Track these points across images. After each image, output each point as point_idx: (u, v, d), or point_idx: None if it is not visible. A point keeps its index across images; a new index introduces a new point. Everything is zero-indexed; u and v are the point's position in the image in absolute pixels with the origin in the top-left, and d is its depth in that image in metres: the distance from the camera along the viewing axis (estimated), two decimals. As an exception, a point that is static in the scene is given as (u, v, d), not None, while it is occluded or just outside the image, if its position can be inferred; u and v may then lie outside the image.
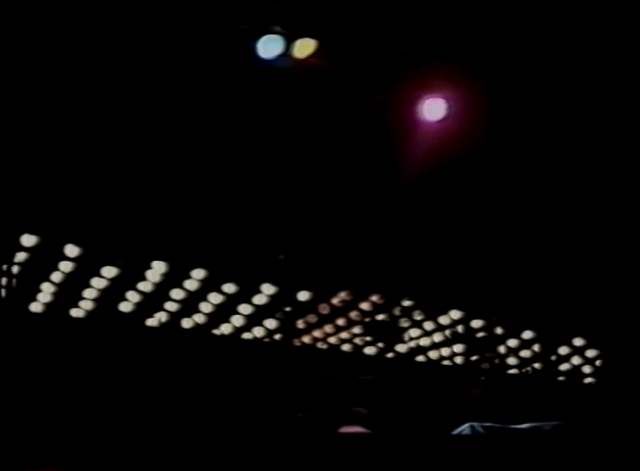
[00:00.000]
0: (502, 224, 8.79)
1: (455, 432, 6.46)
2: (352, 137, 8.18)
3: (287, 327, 9.10)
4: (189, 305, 8.63)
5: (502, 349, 9.45)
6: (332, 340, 9.75)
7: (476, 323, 9.84)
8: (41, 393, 6.94)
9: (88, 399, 7.34)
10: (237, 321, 8.97)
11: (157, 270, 8.48)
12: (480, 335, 9.74)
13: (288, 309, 9.04)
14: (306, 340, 9.47)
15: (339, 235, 8.76)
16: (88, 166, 7.75)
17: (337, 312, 9.44)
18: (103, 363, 8.02)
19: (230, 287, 8.81)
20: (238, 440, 5.83)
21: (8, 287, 7.78)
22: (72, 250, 8.12)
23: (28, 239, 7.93)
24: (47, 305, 8.22)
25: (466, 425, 6.47)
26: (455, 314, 9.84)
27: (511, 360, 9.82)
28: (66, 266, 8.16)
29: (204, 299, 8.69)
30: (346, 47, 7.45)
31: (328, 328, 9.52)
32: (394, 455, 5.95)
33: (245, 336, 9.09)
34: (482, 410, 7.32)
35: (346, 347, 9.79)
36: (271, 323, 9.09)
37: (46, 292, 8.22)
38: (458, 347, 9.92)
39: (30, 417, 5.55)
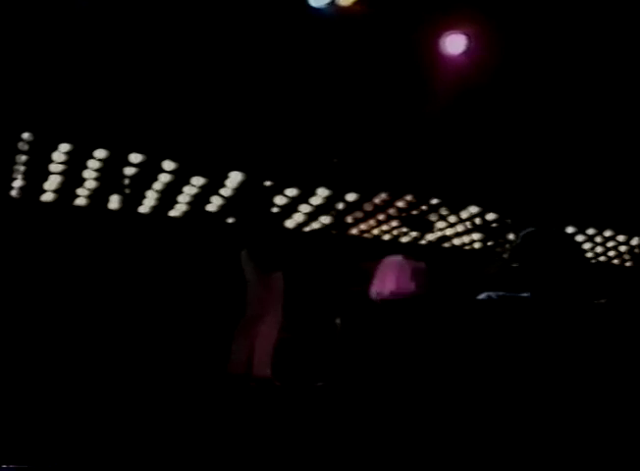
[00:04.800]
0: (513, 137, 9.55)
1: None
2: (390, 67, 9.03)
3: (339, 221, 10.31)
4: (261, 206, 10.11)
5: (511, 236, 10.11)
6: (375, 231, 10.85)
7: (490, 216, 10.96)
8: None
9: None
10: (297, 217, 10.38)
11: (234, 179, 9.92)
12: (494, 225, 10.67)
13: (339, 207, 10.23)
14: (354, 231, 10.66)
15: (380, 147, 9.60)
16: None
17: (378, 209, 10.46)
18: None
19: (292, 191, 10.17)
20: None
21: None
22: (169, 165, 9.66)
23: (135, 157, 9.50)
24: (153, 208, 9.87)
25: (484, 294, 7.60)
26: (474, 209, 10.99)
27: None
28: (165, 177, 9.75)
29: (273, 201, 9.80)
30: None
31: (371, 222, 10.59)
32: (430, 316, 7.00)
33: (306, 229, 10.44)
34: (496, 284, 8.34)
35: (386, 237, 10.86)
36: (326, 218, 10.44)
37: (150, 198, 9.89)
38: (477, 236, 11.10)
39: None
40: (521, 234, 3.87)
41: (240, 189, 9.91)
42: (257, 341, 6.86)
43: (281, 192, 10.18)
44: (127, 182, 9.46)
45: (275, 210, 9.43)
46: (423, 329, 6.80)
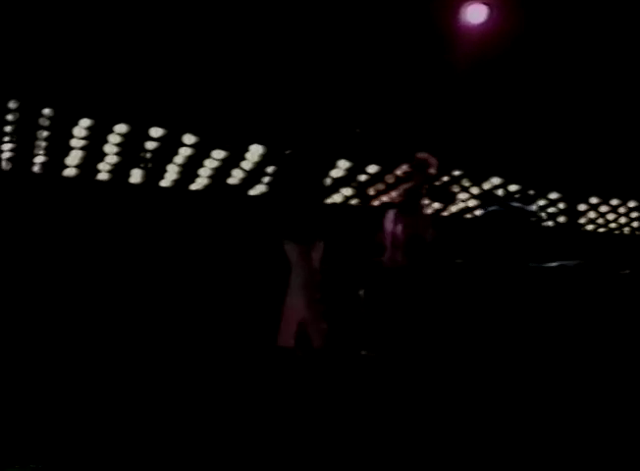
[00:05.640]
0: (534, 107, 9.69)
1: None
2: (411, 38, 9.21)
3: (360, 193, 10.37)
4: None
5: (533, 207, 9.88)
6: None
7: (513, 187, 11.05)
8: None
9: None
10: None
11: (255, 152, 9.96)
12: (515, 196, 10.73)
13: (361, 179, 10.31)
14: (375, 203, 10.41)
15: (402, 117, 9.72)
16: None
17: (400, 181, 9.98)
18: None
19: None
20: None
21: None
22: (189, 138, 9.73)
23: (156, 131, 9.60)
24: (174, 181, 9.87)
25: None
26: (496, 180, 11.06)
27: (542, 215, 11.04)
28: (185, 151, 9.77)
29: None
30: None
31: (393, 194, 10.19)
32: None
33: (327, 201, 10.07)
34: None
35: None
36: (347, 191, 10.45)
37: (171, 172, 9.88)
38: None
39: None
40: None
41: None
42: (285, 310, 6.86)
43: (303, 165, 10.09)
44: (148, 156, 9.47)
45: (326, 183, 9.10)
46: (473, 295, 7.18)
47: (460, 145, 10.11)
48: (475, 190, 11.14)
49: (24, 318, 7.71)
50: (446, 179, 10.69)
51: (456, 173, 10.79)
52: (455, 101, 9.58)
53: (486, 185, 11.11)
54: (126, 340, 7.34)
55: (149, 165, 9.52)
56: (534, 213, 8.23)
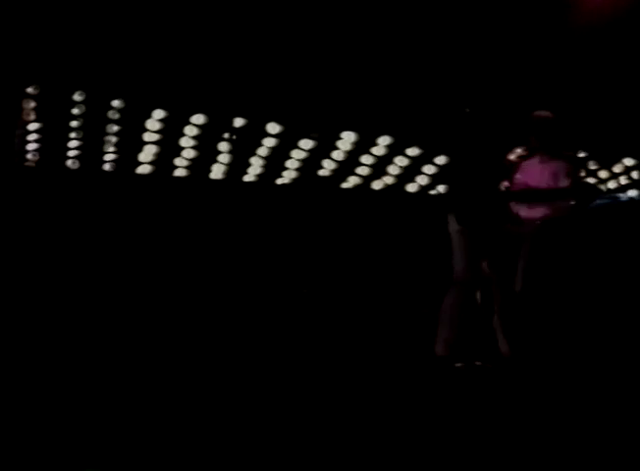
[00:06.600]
0: None
1: None
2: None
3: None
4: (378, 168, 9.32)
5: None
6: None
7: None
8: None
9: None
10: (421, 180, 9.45)
11: (347, 139, 9.16)
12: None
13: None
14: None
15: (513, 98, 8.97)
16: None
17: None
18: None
19: (413, 151, 9.32)
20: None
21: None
22: (273, 127, 8.99)
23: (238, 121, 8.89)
24: (258, 176, 9.14)
25: None
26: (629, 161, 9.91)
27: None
28: (269, 142, 9.05)
29: (391, 162, 9.29)
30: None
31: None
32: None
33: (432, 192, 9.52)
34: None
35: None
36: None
37: (255, 166, 9.15)
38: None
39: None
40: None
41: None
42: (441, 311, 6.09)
43: (401, 153, 9.31)
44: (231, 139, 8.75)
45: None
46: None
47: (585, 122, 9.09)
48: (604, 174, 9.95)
49: (93, 315, 7.16)
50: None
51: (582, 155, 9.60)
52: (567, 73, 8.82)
53: (617, 168, 9.90)
54: (208, 338, 6.66)
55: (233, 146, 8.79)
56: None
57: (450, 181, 6.92)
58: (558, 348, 6.00)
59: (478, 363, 6.04)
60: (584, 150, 9.60)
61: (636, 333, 6.54)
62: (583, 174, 9.34)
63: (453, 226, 6.09)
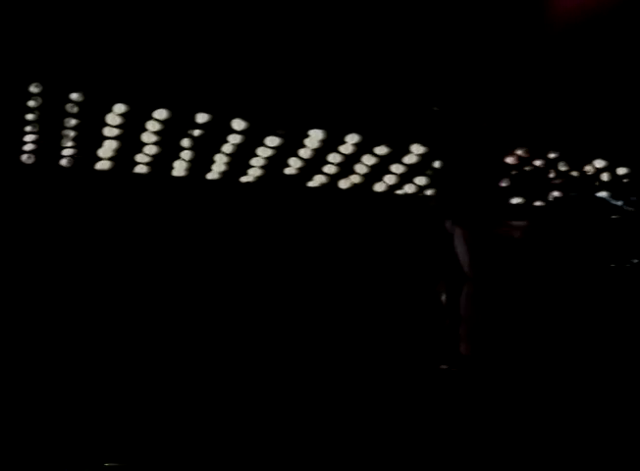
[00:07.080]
0: None
1: None
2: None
3: (435, 183, 9.22)
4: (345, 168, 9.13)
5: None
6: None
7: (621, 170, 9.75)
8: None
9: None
10: (389, 180, 9.26)
11: (315, 137, 8.92)
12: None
13: (436, 166, 9.01)
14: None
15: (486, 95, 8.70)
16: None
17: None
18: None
19: (381, 150, 9.11)
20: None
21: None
22: (239, 124, 8.73)
23: (202, 117, 8.64)
24: (222, 174, 8.89)
25: None
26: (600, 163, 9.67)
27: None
28: (235, 138, 8.79)
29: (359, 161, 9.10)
30: None
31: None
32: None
33: (398, 192, 9.36)
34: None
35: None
36: (421, 180, 9.36)
37: (219, 163, 8.89)
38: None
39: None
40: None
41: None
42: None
43: (370, 151, 9.12)
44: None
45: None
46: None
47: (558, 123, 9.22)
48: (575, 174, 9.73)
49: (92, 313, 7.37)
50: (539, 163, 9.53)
51: (552, 155, 9.56)
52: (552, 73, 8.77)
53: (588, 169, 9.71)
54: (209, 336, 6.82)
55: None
56: (620, 209, 7.18)
57: (443, 183, 6.85)
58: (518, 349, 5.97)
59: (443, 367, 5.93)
60: (555, 151, 9.49)
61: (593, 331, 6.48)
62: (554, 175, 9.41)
63: (452, 227, 6.05)
